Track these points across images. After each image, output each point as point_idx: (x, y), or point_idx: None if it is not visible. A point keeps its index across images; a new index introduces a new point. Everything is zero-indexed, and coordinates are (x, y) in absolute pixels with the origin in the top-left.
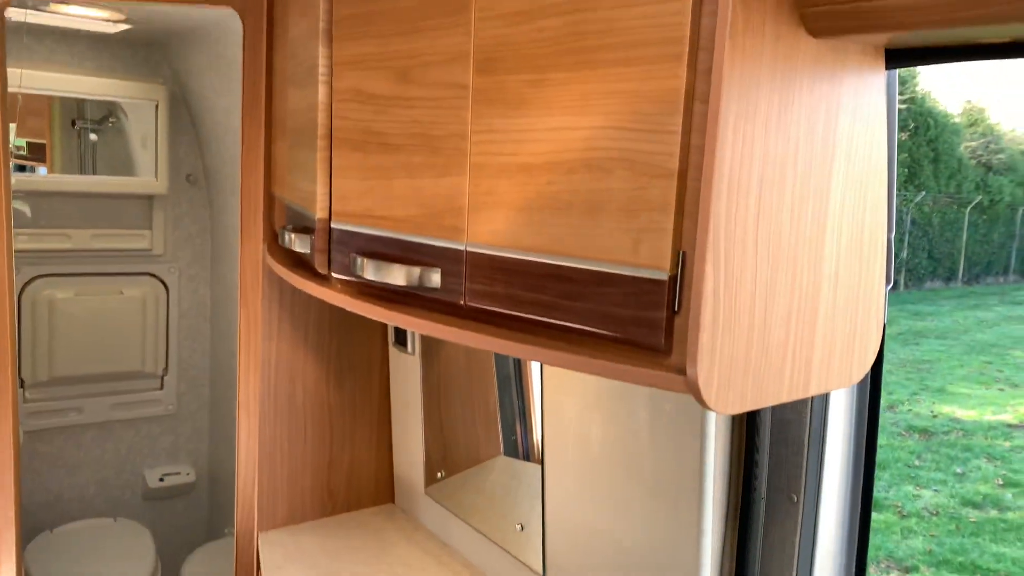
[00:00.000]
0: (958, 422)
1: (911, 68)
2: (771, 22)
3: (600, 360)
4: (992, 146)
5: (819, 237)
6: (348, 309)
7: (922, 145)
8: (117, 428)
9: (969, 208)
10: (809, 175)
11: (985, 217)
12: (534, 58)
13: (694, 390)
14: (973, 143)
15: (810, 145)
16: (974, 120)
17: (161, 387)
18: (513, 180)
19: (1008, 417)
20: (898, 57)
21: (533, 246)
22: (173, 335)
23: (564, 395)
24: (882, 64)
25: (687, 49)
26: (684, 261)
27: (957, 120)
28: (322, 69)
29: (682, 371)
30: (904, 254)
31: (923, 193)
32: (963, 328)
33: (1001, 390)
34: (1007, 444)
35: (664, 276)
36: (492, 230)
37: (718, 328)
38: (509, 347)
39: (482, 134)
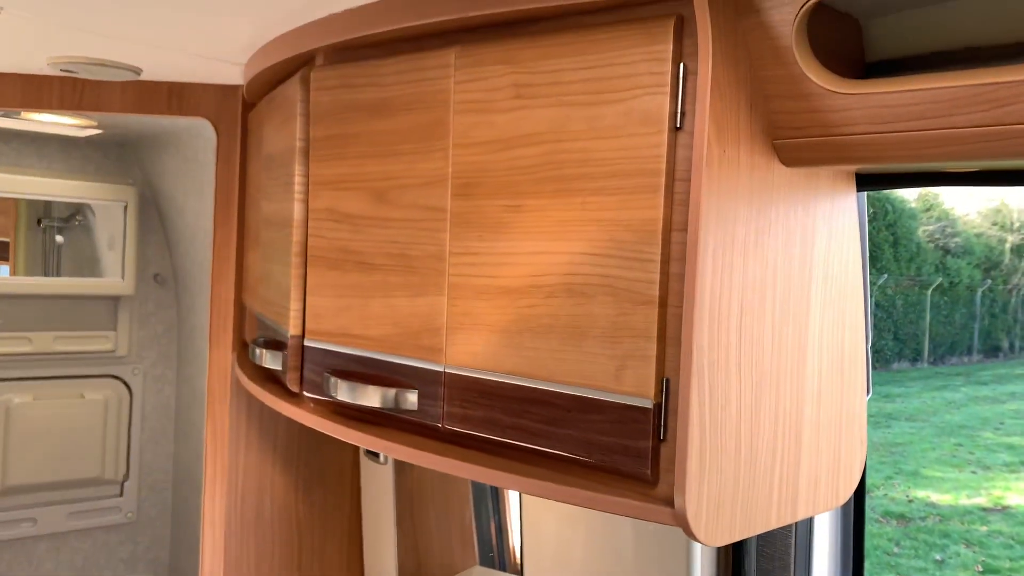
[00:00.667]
0: (934, 507)
1: None
2: (746, 153)
3: (585, 491)
4: (948, 230)
5: (800, 358)
6: (320, 430)
7: (882, 230)
8: (72, 539)
9: (930, 290)
10: (788, 298)
11: (946, 298)
12: (512, 185)
13: (682, 523)
14: (930, 227)
15: (788, 269)
16: (929, 205)
17: (121, 494)
18: (492, 302)
19: (983, 501)
20: (869, 181)
21: (513, 369)
22: (135, 438)
23: (544, 509)
24: (854, 186)
25: (664, 180)
26: (668, 388)
27: (913, 205)
28: (298, 187)
29: (669, 502)
30: (870, 336)
31: (885, 276)
32: (932, 409)
33: (974, 472)
34: (984, 529)
35: (649, 404)
36: (471, 352)
37: (705, 457)
38: (490, 475)
39: (460, 256)
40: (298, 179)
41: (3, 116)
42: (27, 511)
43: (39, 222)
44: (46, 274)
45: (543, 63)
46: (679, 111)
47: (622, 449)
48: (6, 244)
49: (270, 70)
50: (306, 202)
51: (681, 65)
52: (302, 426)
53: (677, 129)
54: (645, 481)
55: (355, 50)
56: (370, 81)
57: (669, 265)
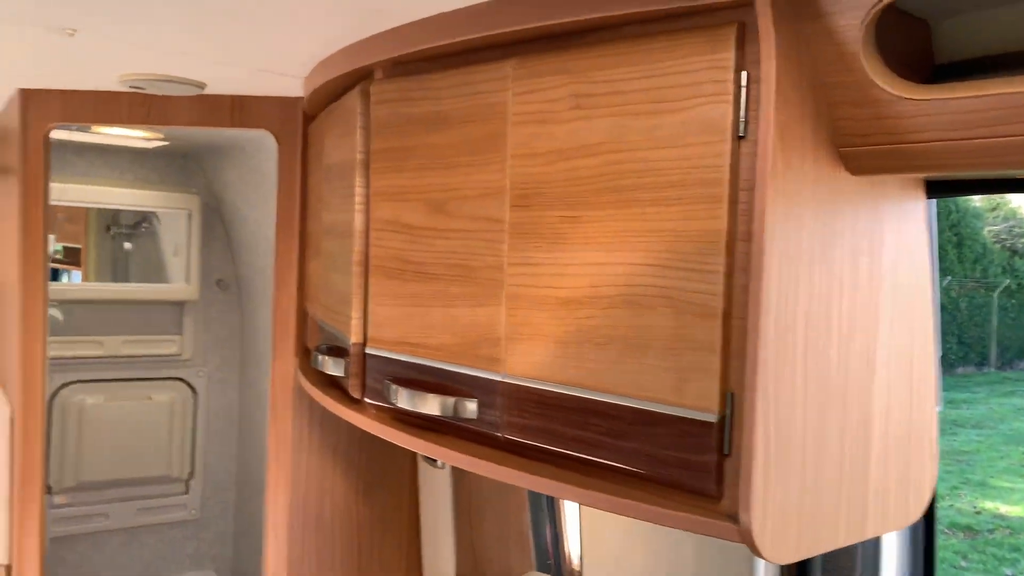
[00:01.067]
0: (1003, 519)
1: None
2: (811, 162)
3: (647, 505)
4: (1016, 230)
5: (868, 372)
6: (381, 436)
7: (945, 230)
8: (142, 534)
9: (997, 292)
10: (855, 309)
11: (1014, 301)
12: (570, 196)
13: (748, 539)
14: (996, 227)
15: (855, 279)
16: (995, 205)
17: (186, 491)
18: (551, 313)
19: None
20: (940, 188)
21: (573, 380)
22: (200, 439)
23: (604, 519)
24: (923, 194)
25: (727, 190)
26: (732, 402)
27: (978, 204)
28: (359, 198)
29: (734, 518)
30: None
31: (948, 278)
32: (1000, 416)
33: None
34: None
35: (712, 418)
36: (530, 362)
37: (771, 472)
38: (550, 486)
39: (519, 266)
40: (359, 190)
41: (77, 130)
42: (100, 506)
43: (108, 229)
44: (115, 280)
45: (601, 73)
46: (742, 119)
47: (685, 463)
48: (78, 250)
49: (330, 83)
50: (366, 212)
51: (743, 73)
52: (362, 431)
53: (740, 138)
54: (709, 496)
55: (413, 64)
56: (427, 95)
57: (733, 277)
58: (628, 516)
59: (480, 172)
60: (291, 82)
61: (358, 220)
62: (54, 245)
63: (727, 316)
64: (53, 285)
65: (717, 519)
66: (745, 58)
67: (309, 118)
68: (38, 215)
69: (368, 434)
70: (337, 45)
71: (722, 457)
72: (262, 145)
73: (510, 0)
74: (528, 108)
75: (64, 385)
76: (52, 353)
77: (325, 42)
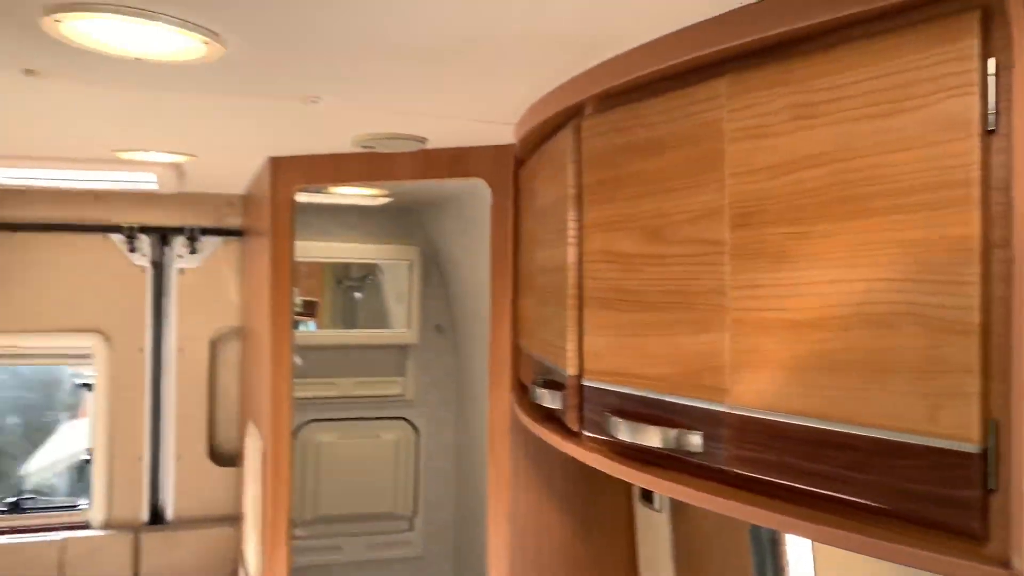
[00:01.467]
0: None
1: None
2: None
3: (897, 544)
4: None
5: None
6: (601, 469)
7: None
8: (370, 568)
9: None
10: None
11: None
12: (796, 210)
13: None
14: None
15: None
16: None
17: (411, 528)
18: (779, 337)
19: None
20: None
21: (806, 409)
22: (421, 477)
23: (838, 566)
24: None
25: (978, 191)
26: (997, 430)
27: None
28: (571, 232)
29: (1005, 563)
30: None
31: None
32: None
33: None
34: None
35: (973, 448)
36: (758, 391)
37: None
38: (784, 522)
39: (742, 289)
40: (571, 224)
41: (316, 191)
42: (333, 539)
43: (340, 282)
44: (345, 327)
45: (823, 80)
46: (991, 112)
47: (939, 499)
48: (315, 303)
49: (540, 125)
50: (579, 245)
51: (991, 61)
52: (578, 468)
53: (990, 132)
54: (971, 536)
55: (622, 95)
56: (639, 123)
57: (990, 287)
58: (877, 556)
59: (697, 194)
60: (502, 130)
61: (571, 253)
62: (296, 297)
63: (985, 332)
64: (298, 332)
65: (984, 563)
66: (992, 45)
67: (520, 163)
68: (285, 271)
69: (583, 471)
70: (548, 87)
71: (987, 493)
72: (475, 194)
73: (724, 17)
74: (745, 124)
75: (304, 423)
76: (295, 394)
77: (537, 85)
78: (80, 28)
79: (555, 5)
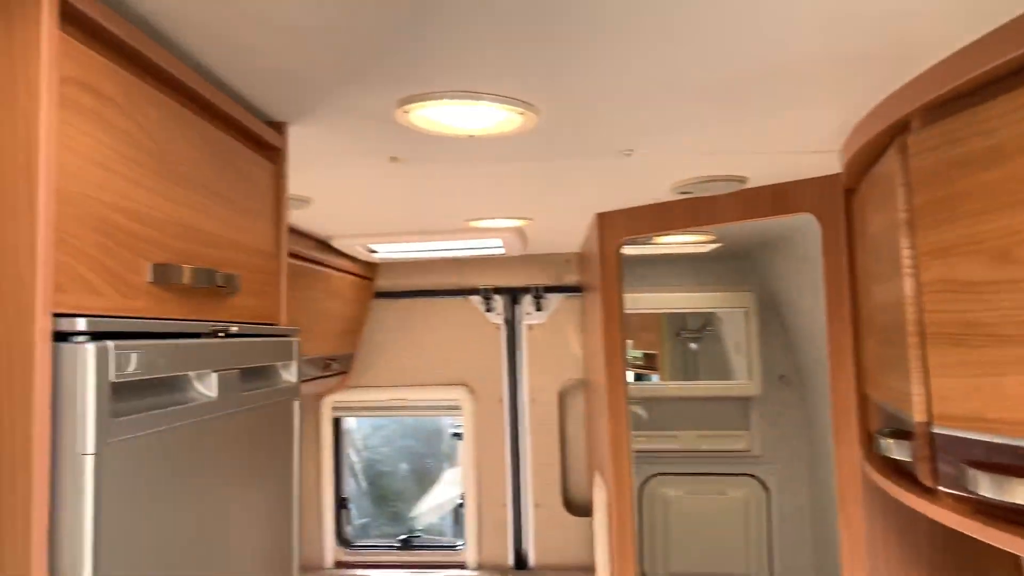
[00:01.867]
0: None
1: None
2: None
3: None
4: None
5: None
6: (961, 530)
7: None
8: None
9: None
10: None
11: None
12: None
13: None
14: None
15: None
16: None
17: None
18: None
19: None
20: None
21: None
22: (775, 539)
23: None
24: None
25: None
26: None
27: None
28: (906, 261)
29: None
30: None
31: None
32: None
33: None
34: None
35: None
36: None
37: None
38: None
39: None
40: (905, 252)
41: (642, 243)
42: None
43: (678, 334)
44: (686, 379)
45: None
46: None
47: None
48: (655, 356)
49: (865, 148)
50: (916, 276)
51: None
52: (949, 533)
53: None
54: None
55: (951, 102)
56: (974, 130)
57: None
58: None
59: None
60: (825, 158)
61: (908, 285)
62: (632, 351)
63: None
64: (638, 385)
65: None
66: None
67: (849, 192)
68: (616, 322)
69: (956, 538)
70: (868, 105)
71: None
72: (805, 230)
73: None
74: None
75: (650, 477)
76: (639, 446)
77: (856, 105)
78: (425, 115)
79: (846, 23)
